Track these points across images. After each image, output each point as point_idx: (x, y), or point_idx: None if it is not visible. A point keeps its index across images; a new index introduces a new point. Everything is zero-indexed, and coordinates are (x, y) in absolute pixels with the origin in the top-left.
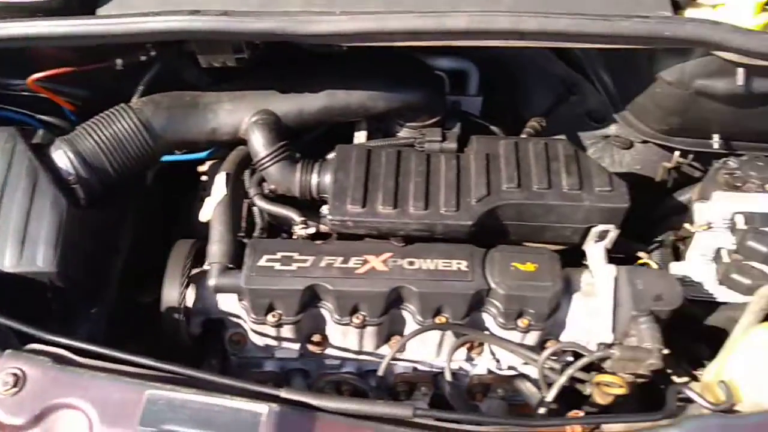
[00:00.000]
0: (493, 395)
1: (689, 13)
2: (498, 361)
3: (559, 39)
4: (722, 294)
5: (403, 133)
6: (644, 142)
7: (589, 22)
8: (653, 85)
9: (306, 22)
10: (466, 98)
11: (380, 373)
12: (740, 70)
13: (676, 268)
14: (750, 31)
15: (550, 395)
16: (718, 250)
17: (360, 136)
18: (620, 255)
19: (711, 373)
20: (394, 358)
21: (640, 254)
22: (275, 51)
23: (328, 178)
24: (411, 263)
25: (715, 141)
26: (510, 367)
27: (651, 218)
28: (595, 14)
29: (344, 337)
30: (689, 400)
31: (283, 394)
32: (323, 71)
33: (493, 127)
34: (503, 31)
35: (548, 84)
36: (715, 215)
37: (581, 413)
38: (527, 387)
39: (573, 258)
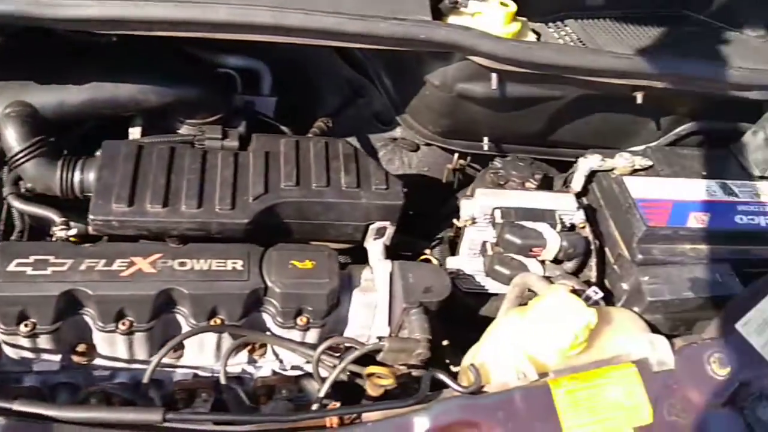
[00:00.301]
0: (279, 396)
1: (451, 19)
2: (282, 361)
3: (321, 36)
4: (491, 285)
5: (183, 130)
6: (428, 144)
7: (348, 21)
8: (423, 88)
9: (50, 6)
10: (260, 98)
11: (145, 380)
12: (493, 75)
13: (451, 263)
14: (498, 37)
15: (322, 391)
16: (484, 244)
17: (134, 132)
18: (408, 252)
19: (468, 358)
20: (171, 365)
21: (427, 251)
22: (36, 39)
23: (92, 176)
24: (182, 264)
25: (485, 143)
26: (295, 367)
27: (438, 217)
28: (355, 14)
29: (112, 346)
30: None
31: (16, 406)
32: (90, 62)
33: (283, 127)
34: (265, 25)
35: (338, 86)
36: (477, 211)
37: (338, 404)
38: (313, 386)
39: None
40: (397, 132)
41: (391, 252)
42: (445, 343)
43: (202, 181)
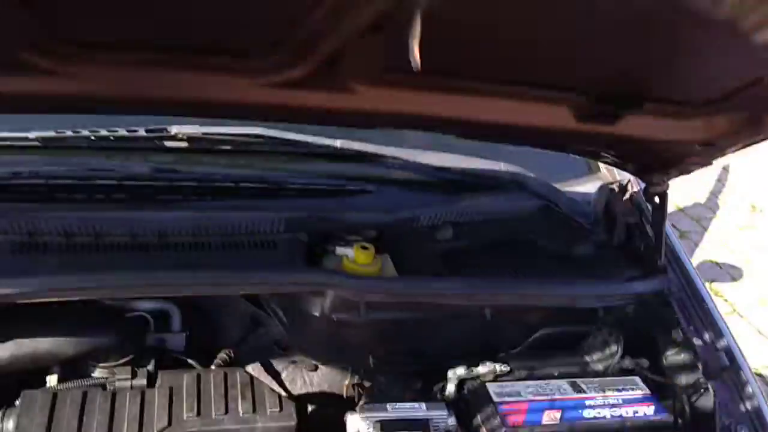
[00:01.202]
0: None
1: (325, 261)
2: None
3: (209, 291)
4: None
5: (96, 373)
6: (325, 363)
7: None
8: (308, 318)
9: None
10: (171, 335)
11: None
12: (362, 305)
13: None
14: (358, 276)
15: None
16: None
17: (51, 380)
18: None
19: None
20: None
21: None
22: None
23: (11, 425)
24: None
25: (371, 360)
26: None
27: None
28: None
29: None
30: None
31: None
32: (9, 320)
33: (191, 361)
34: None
35: (240, 319)
36: (361, 425)
37: None
38: None
39: None
40: (297, 355)
41: None
42: None
43: (111, 421)
